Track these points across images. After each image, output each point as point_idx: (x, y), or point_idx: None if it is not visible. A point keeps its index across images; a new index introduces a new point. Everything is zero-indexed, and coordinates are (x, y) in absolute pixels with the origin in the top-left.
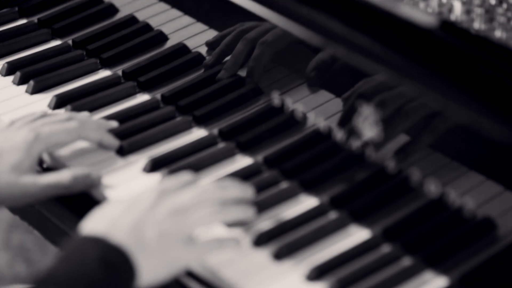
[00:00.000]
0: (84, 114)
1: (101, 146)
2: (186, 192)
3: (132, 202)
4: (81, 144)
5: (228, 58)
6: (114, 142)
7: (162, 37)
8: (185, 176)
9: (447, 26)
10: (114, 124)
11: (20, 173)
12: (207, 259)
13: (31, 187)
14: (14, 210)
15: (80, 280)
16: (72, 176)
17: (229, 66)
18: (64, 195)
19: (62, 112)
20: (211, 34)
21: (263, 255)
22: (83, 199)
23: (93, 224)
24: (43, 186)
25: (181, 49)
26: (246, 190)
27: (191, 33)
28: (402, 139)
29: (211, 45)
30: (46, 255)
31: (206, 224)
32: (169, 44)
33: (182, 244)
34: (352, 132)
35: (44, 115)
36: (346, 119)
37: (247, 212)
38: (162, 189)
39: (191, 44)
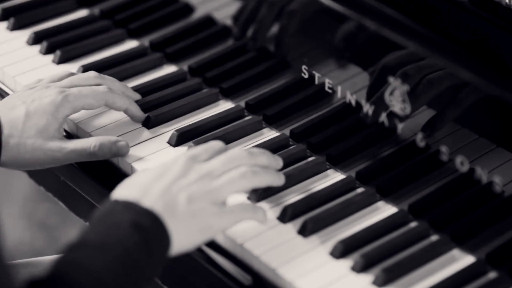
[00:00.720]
0: (112, 79)
1: (127, 114)
2: (216, 158)
3: (162, 168)
4: (107, 116)
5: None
6: (141, 113)
7: (189, 9)
8: (214, 143)
9: None
10: (138, 96)
11: (47, 137)
12: (231, 230)
13: (57, 152)
14: (39, 181)
15: (114, 243)
16: (99, 143)
17: (254, 33)
18: (90, 160)
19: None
20: (238, 5)
21: (290, 229)
22: (109, 170)
23: (124, 190)
24: (69, 152)
25: (208, 20)
26: (276, 159)
27: (218, 4)
28: (429, 113)
29: (237, 17)
30: (69, 231)
31: (237, 189)
32: (196, 15)
33: (213, 209)
34: (380, 106)
35: (71, 74)
36: (374, 93)
37: (278, 178)
38: (192, 154)
39: (218, 15)
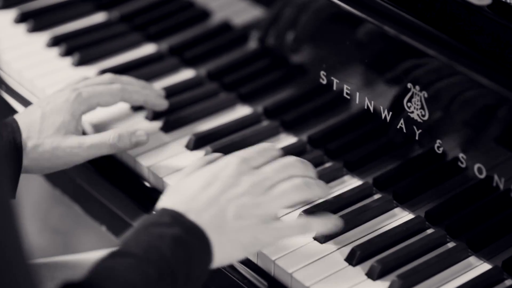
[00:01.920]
0: (128, 78)
1: (147, 107)
2: (268, 165)
3: (212, 173)
4: (124, 122)
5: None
6: (161, 100)
7: (206, 14)
8: (266, 145)
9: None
10: (160, 91)
11: (65, 134)
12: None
13: (76, 148)
14: (56, 183)
15: (156, 256)
16: (117, 134)
17: (274, 39)
18: (109, 154)
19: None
20: (257, 10)
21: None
22: (125, 173)
23: (173, 198)
24: (89, 146)
25: (226, 26)
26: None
27: (236, 10)
28: (447, 120)
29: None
30: (83, 235)
31: (288, 202)
32: (213, 21)
33: (261, 224)
34: (399, 113)
35: (86, 78)
36: (393, 100)
37: (327, 190)
38: (244, 157)
39: (235, 20)
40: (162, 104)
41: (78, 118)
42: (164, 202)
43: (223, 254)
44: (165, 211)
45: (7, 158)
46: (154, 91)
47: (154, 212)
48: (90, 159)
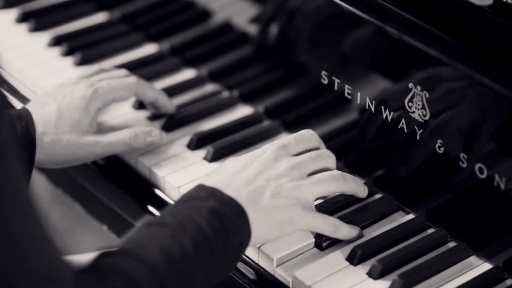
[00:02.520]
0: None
1: (156, 105)
2: (305, 154)
3: (252, 156)
4: (125, 120)
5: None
6: (170, 104)
7: (207, 14)
8: (305, 131)
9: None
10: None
11: (81, 132)
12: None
13: (93, 146)
14: (57, 183)
15: (192, 225)
16: (133, 133)
17: (275, 39)
18: (124, 152)
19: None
20: (258, 10)
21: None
22: (127, 173)
23: (213, 177)
24: (106, 144)
25: (227, 26)
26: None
27: (237, 10)
28: (448, 119)
29: (257, 23)
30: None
31: (325, 190)
32: (215, 21)
33: (297, 206)
34: (400, 113)
35: (100, 70)
36: (395, 100)
37: (364, 190)
38: (282, 144)
39: (237, 21)
40: (171, 107)
41: (94, 115)
42: (203, 180)
43: (260, 231)
44: (202, 187)
45: (21, 148)
46: (164, 96)
47: (194, 188)
48: (104, 156)
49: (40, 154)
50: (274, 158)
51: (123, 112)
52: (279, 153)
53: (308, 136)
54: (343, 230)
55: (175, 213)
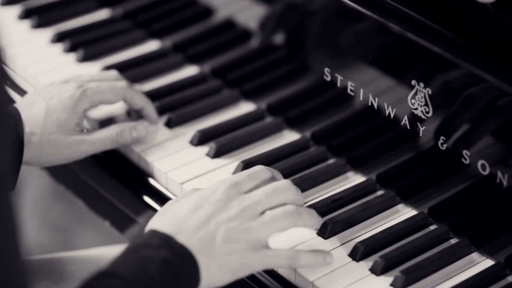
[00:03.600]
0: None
1: (142, 114)
2: (259, 189)
3: (202, 196)
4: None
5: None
6: (155, 115)
7: (209, 11)
8: (258, 168)
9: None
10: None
11: (68, 131)
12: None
13: (80, 144)
14: (59, 179)
15: (144, 278)
16: (120, 129)
17: (277, 36)
18: (111, 148)
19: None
20: (260, 7)
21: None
22: (129, 169)
23: (163, 220)
24: (93, 142)
25: (229, 23)
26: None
27: (239, 7)
28: (450, 117)
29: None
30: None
31: (278, 228)
32: (217, 18)
33: (250, 249)
34: (402, 109)
35: (91, 74)
36: (397, 96)
37: (318, 221)
38: (234, 181)
39: (239, 17)
40: (156, 119)
41: (81, 115)
42: (153, 224)
43: (211, 277)
44: (154, 233)
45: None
46: (151, 106)
47: (143, 234)
48: (92, 154)
49: (28, 154)
50: (225, 199)
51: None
52: (231, 192)
53: (261, 172)
54: (303, 259)
55: (126, 262)
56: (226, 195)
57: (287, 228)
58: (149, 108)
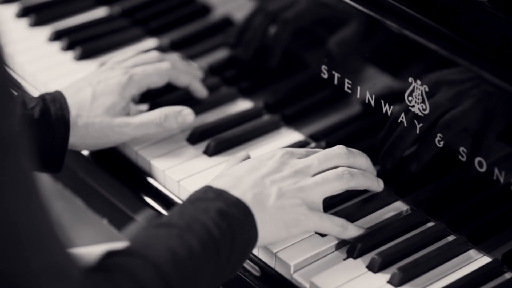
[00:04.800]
0: (175, 56)
1: (189, 90)
2: (313, 155)
3: (258, 160)
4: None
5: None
6: (202, 89)
7: (207, 9)
8: (311, 148)
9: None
10: (199, 73)
11: (114, 114)
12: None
13: (125, 127)
14: (57, 177)
15: (199, 226)
16: (164, 114)
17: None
18: (156, 133)
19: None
20: (257, 5)
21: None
22: (127, 166)
23: (220, 179)
24: (137, 125)
25: (227, 21)
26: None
27: (237, 5)
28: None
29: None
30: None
31: (330, 189)
32: (215, 16)
33: (303, 206)
34: (399, 106)
35: (135, 55)
36: (394, 94)
37: (377, 183)
38: (290, 150)
39: (237, 16)
40: (204, 92)
41: (128, 100)
42: (210, 182)
43: (266, 231)
44: (209, 188)
45: (55, 130)
46: (197, 81)
47: (201, 189)
48: (137, 137)
49: (74, 137)
50: (281, 162)
51: None
52: (285, 158)
53: (314, 149)
54: (351, 231)
55: (182, 214)
56: (281, 160)
57: (340, 189)
58: (195, 84)
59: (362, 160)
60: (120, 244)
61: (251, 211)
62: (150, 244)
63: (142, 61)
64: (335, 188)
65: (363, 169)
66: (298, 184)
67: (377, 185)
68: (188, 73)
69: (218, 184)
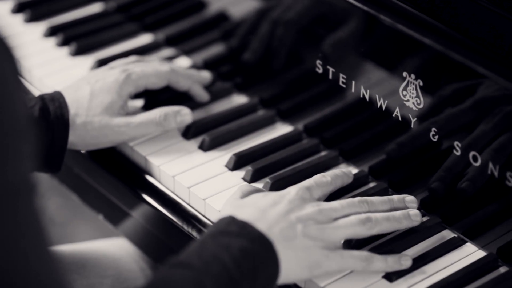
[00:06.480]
0: (177, 63)
1: (190, 94)
2: (336, 201)
3: (277, 196)
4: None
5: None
6: (203, 93)
7: (203, 4)
8: (337, 172)
9: None
10: (206, 75)
11: (112, 114)
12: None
13: (124, 127)
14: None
15: (219, 269)
16: (163, 113)
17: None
18: (155, 133)
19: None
20: (253, 0)
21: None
22: (122, 162)
23: (244, 210)
24: (137, 125)
25: (222, 16)
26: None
27: (232, 0)
28: (442, 108)
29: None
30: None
31: (352, 233)
32: (211, 11)
33: (325, 248)
34: (394, 101)
35: (138, 59)
36: (389, 89)
37: (398, 224)
38: (306, 186)
39: (232, 11)
40: (205, 96)
41: (126, 98)
42: (233, 212)
43: (290, 270)
44: (233, 220)
45: (55, 129)
46: (198, 85)
47: (223, 221)
48: (136, 137)
49: (73, 136)
50: (300, 199)
51: None
52: (304, 195)
53: (322, 178)
54: (377, 263)
55: (202, 251)
56: (301, 196)
57: (361, 235)
58: (196, 87)
59: (383, 206)
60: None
61: (275, 248)
62: (164, 287)
63: (142, 62)
64: (358, 233)
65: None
66: (320, 225)
67: (407, 225)
68: (189, 78)
69: (243, 215)
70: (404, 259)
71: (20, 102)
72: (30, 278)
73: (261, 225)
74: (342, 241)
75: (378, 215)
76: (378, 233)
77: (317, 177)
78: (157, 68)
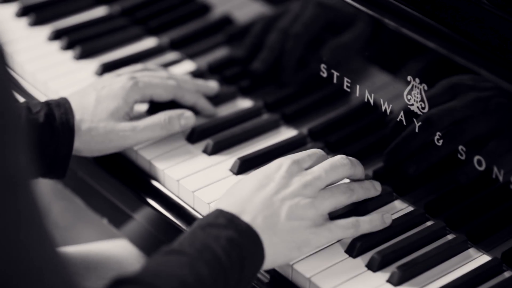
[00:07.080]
0: (186, 77)
1: (196, 109)
2: (318, 165)
3: (265, 175)
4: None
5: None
6: (210, 107)
7: (207, 8)
8: (316, 150)
9: None
10: (213, 85)
11: (118, 119)
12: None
13: (129, 131)
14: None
15: (210, 255)
16: (168, 116)
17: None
18: (161, 137)
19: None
20: (257, 4)
21: None
22: (127, 165)
23: (229, 201)
24: (142, 129)
25: (227, 20)
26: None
27: (237, 4)
28: (446, 111)
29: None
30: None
31: (337, 204)
32: (215, 14)
33: (313, 225)
34: (398, 105)
35: (145, 68)
36: (393, 93)
37: (375, 190)
38: (296, 159)
39: (236, 14)
40: (211, 111)
41: (131, 105)
42: (220, 204)
43: (277, 254)
44: (220, 212)
45: (60, 135)
46: (204, 100)
47: (211, 214)
48: (141, 142)
49: (78, 142)
50: (288, 176)
51: None
52: (293, 169)
53: (317, 151)
54: (364, 226)
55: (193, 240)
56: (289, 172)
57: (343, 204)
58: (202, 102)
59: (360, 169)
60: (129, 272)
61: (261, 239)
62: (160, 272)
63: (150, 74)
64: (341, 203)
65: (362, 178)
66: (306, 200)
67: (375, 192)
68: (194, 92)
69: (229, 207)
70: (386, 217)
71: (10, 94)
72: (32, 270)
73: (246, 217)
74: (327, 213)
75: (353, 185)
76: (357, 200)
77: (309, 150)
78: (164, 81)
